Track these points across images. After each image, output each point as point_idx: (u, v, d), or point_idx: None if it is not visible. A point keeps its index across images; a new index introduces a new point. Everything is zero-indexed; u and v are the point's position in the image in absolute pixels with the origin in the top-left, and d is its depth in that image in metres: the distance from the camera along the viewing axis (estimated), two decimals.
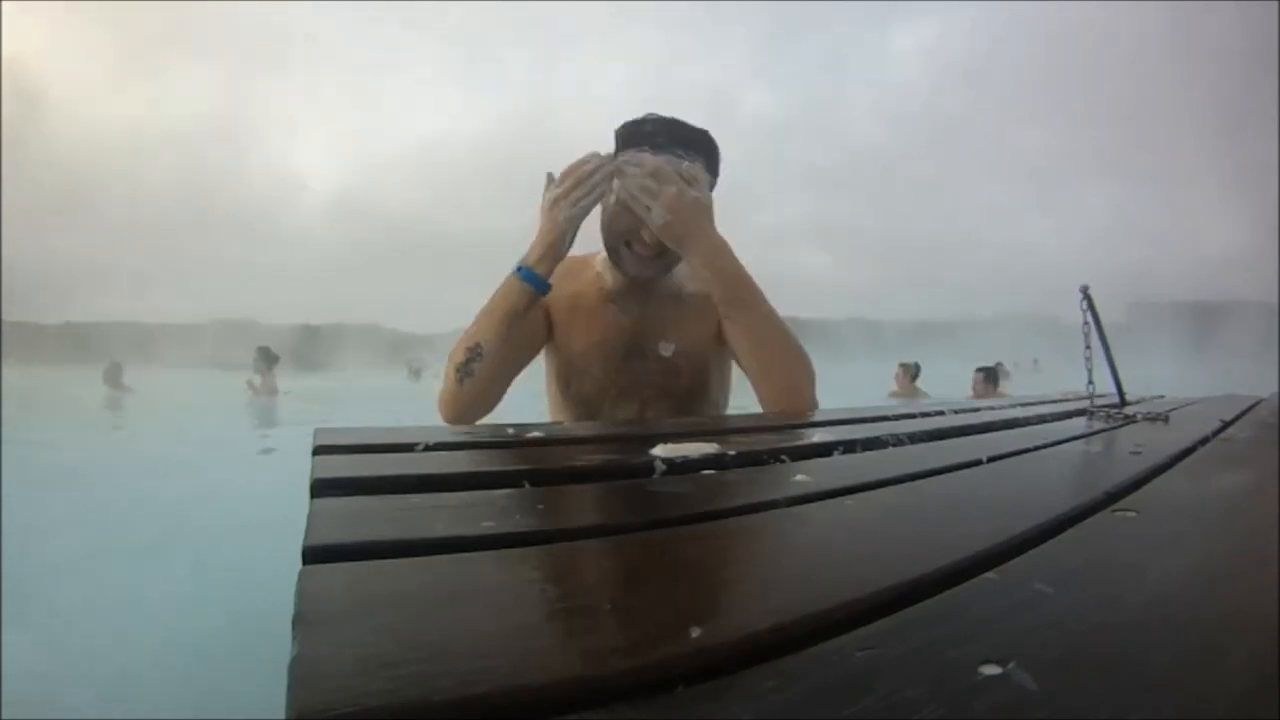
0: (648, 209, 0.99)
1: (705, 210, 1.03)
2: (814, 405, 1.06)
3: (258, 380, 6.94)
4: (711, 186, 1.10)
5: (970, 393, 4.50)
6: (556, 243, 1.01)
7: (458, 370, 1.02)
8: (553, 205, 1.01)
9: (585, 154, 1.02)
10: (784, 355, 1.06)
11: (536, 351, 1.17)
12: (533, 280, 1.01)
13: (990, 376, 4.71)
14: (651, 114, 1.08)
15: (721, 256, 1.03)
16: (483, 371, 1.02)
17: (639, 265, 1.08)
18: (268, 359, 7.08)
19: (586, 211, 1.01)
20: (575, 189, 1.00)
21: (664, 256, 1.07)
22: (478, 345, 1.02)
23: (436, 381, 1.09)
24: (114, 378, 8.71)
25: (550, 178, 1.04)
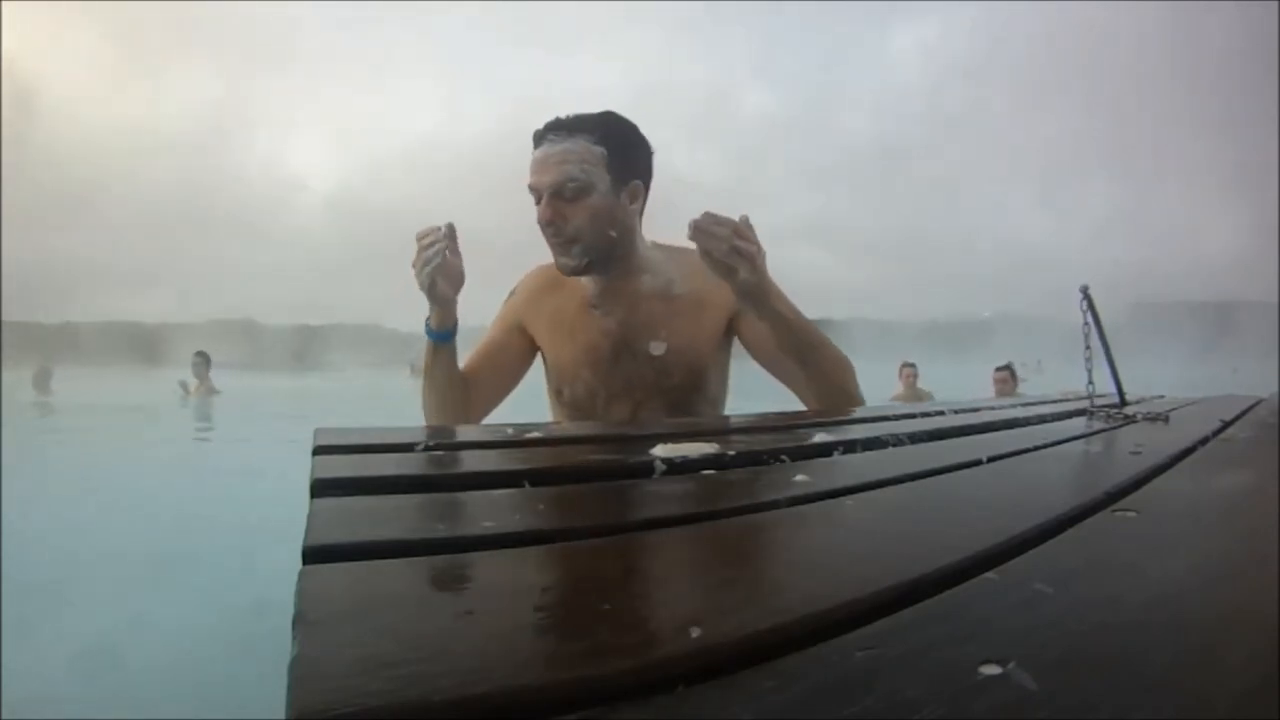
0: (734, 270, 0.96)
1: (768, 277, 1.01)
2: (860, 404, 1.11)
3: (194, 384, 7.27)
4: (651, 159, 1.14)
5: (992, 393, 4.47)
6: (430, 298, 1.06)
7: (423, 405, 1.16)
8: (413, 268, 1.05)
9: (426, 227, 1.04)
10: (841, 384, 1.09)
11: (518, 378, 1.23)
12: (432, 336, 1.10)
13: (1013, 374, 4.69)
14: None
15: (786, 307, 1.04)
16: (431, 410, 1.14)
17: (557, 256, 1.11)
18: (206, 363, 7.51)
19: (434, 275, 1.02)
20: (417, 257, 1.03)
21: (575, 243, 1.08)
22: (423, 394, 1.15)
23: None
24: (42, 383, 8.95)
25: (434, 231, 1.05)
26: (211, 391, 7.27)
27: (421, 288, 1.04)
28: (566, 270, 1.11)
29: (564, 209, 1.06)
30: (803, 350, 1.05)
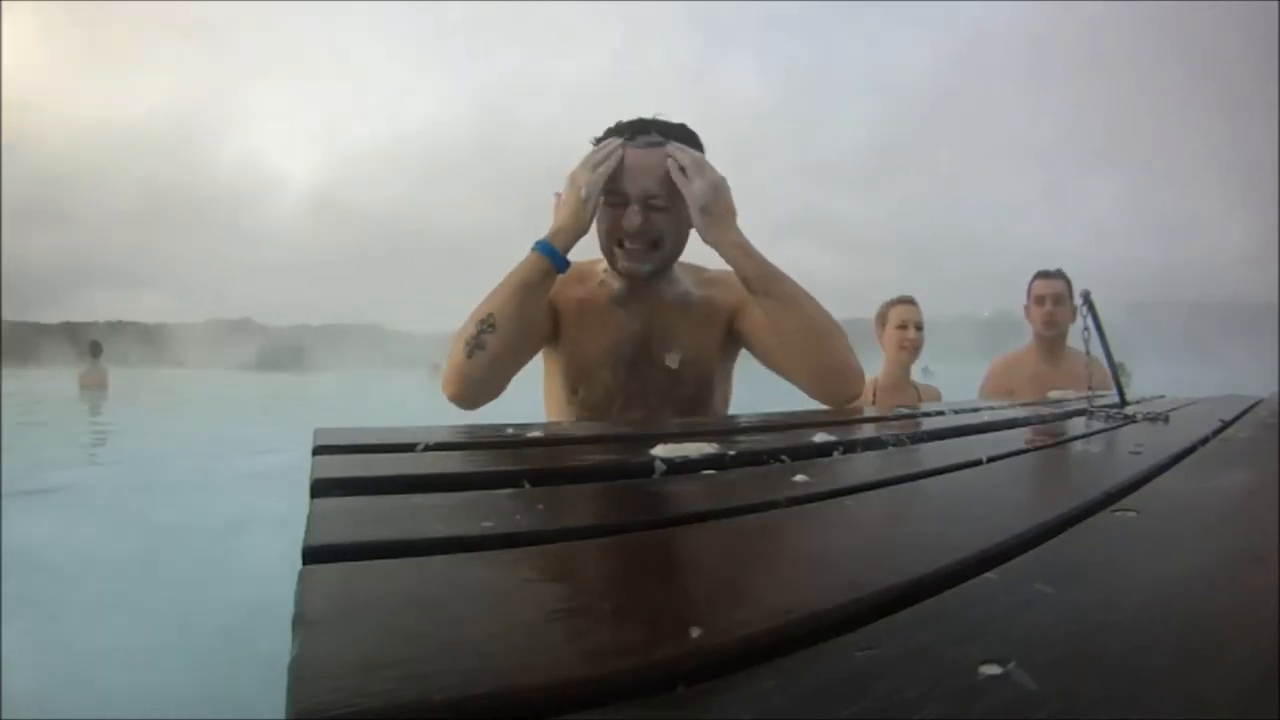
0: (690, 180, 1.02)
1: (733, 209, 1.06)
2: (860, 374, 1.06)
3: (83, 376, 6.88)
4: None
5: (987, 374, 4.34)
6: (576, 213, 1.03)
7: (467, 344, 0.99)
8: (574, 180, 1.04)
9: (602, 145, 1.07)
10: (825, 332, 1.05)
11: (538, 347, 1.15)
12: (550, 254, 1.01)
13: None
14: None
15: (748, 244, 1.05)
16: (494, 345, 0.99)
17: (632, 261, 1.08)
18: (94, 351, 7.12)
19: (604, 178, 1.03)
20: (592, 158, 1.04)
21: (656, 250, 1.08)
22: (489, 316, 0.99)
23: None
24: None
25: (558, 197, 1.07)
26: (102, 387, 6.72)
27: (585, 189, 1.02)
28: (636, 275, 1.09)
29: (653, 217, 1.05)
30: (768, 284, 1.04)
